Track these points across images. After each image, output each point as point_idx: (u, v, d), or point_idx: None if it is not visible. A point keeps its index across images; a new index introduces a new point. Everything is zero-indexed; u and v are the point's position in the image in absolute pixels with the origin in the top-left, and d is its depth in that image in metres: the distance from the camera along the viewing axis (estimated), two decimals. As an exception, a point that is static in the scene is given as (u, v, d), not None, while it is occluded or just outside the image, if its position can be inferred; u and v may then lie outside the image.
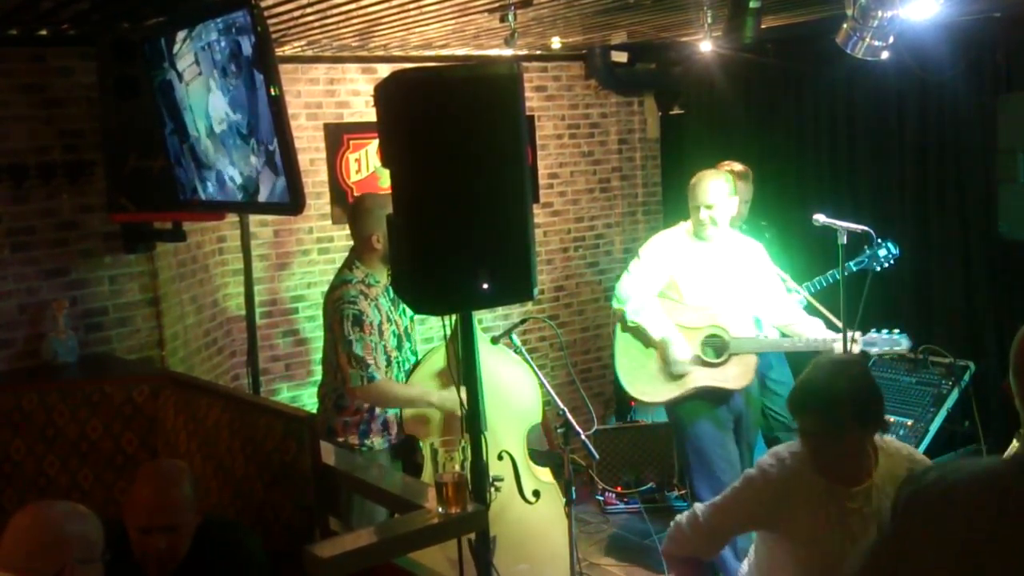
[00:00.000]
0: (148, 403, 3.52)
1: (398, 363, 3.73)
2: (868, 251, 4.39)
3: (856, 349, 3.98)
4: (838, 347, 3.97)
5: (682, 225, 4.33)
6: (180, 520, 2.61)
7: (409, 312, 3.81)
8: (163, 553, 2.59)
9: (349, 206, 4.51)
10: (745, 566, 2.83)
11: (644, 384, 4.17)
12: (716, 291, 4.19)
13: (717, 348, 4.14)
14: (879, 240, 4.39)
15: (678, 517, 2.75)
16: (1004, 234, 4.06)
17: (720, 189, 4.15)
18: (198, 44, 3.23)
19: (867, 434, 2.45)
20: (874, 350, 4.06)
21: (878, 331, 4.04)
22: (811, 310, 4.46)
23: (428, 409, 3.76)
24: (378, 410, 3.73)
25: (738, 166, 4.75)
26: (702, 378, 4.14)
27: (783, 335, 4.31)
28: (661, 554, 2.85)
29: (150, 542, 2.58)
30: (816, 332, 4.17)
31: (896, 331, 4.06)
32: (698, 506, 2.74)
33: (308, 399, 5.00)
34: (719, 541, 2.72)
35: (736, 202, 4.24)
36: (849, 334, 4.01)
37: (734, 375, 4.15)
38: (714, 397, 4.18)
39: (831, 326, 4.22)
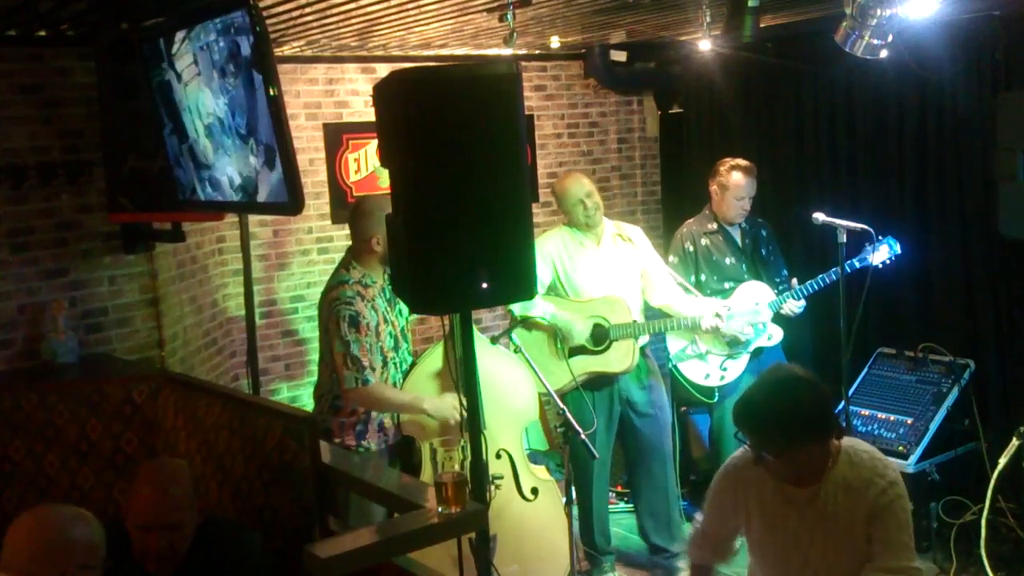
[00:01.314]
0: (148, 403, 3.52)
1: (395, 364, 3.73)
2: (869, 248, 4.39)
3: (717, 324, 4.41)
4: (705, 322, 4.40)
5: (560, 227, 4.58)
6: (180, 519, 2.62)
7: (406, 313, 3.81)
8: (163, 552, 2.59)
9: (349, 208, 4.51)
10: None
11: (548, 373, 4.21)
12: (600, 286, 4.43)
13: (597, 336, 4.39)
14: (880, 237, 4.39)
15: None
16: (1004, 232, 4.06)
17: (582, 184, 4.48)
18: (197, 44, 3.23)
19: (812, 446, 2.39)
20: (734, 325, 4.47)
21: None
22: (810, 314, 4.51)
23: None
24: (374, 411, 3.72)
25: (743, 161, 4.73)
26: (590, 365, 4.40)
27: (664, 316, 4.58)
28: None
29: (150, 541, 2.58)
30: (690, 309, 4.48)
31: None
32: (694, 523, 2.86)
33: (308, 399, 4.99)
34: (714, 542, 2.75)
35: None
36: (714, 306, 4.43)
37: (617, 359, 4.41)
38: (598, 383, 4.43)
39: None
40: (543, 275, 4.44)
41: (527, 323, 4.42)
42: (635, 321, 4.43)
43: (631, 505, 4.95)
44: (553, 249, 4.48)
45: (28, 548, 2.33)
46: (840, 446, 2.47)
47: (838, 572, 2.46)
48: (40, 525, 2.38)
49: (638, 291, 4.53)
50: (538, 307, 4.37)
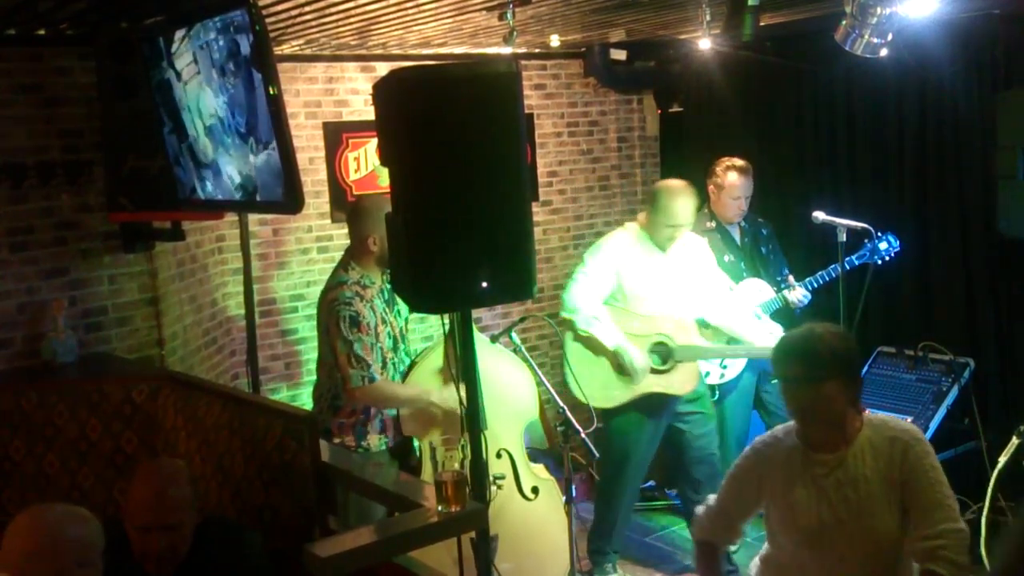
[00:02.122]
0: (147, 403, 3.52)
1: (393, 364, 3.72)
2: (869, 244, 4.39)
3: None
4: None
5: (630, 227, 4.36)
6: (179, 519, 2.61)
7: (404, 313, 3.81)
8: (163, 552, 2.59)
9: (347, 207, 4.51)
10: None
11: (595, 389, 4.20)
12: (662, 297, 4.26)
13: (663, 355, 4.25)
14: (879, 233, 4.39)
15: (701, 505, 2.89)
16: (1003, 231, 4.06)
17: (692, 208, 4.22)
18: (196, 43, 3.23)
19: (844, 387, 2.51)
20: None
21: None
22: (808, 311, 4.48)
23: (427, 409, 3.76)
24: (374, 411, 3.72)
25: (739, 161, 4.75)
26: (650, 384, 4.24)
27: (730, 339, 4.40)
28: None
29: (150, 541, 2.58)
30: (761, 339, 4.28)
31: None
32: (709, 498, 2.86)
33: (307, 398, 4.98)
34: (728, 521, 2.78)
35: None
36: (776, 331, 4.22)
37: (679, 381, 4.27)
38: (652, 405, 4.29)
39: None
40: (604, 285, 4.25)
41: (586, 338, 4.26)
42: (703, 343, 4.28)
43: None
44: (618, 256, 4.27)
45: (24, 547, 2.33)
46: (864, 417, 2.60)
47: (874, 534, 2.48)
48: (36, 524, 2.38)
49: (699, 306, 4.36)
50: (603, 325, 4.19)
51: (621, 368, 4.23)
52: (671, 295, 4.27)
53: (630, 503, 4.57)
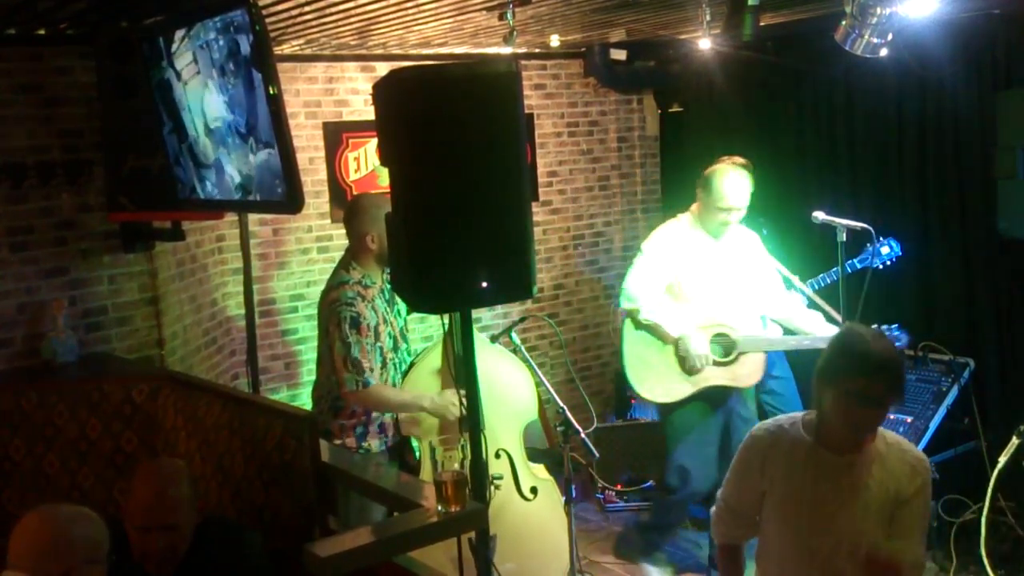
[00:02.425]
0: (147, 402, 3.52)
1: (394, 364, 3.72)
2: (870, 248, 4.39)
3: None
4: None
5: (683, 217, 4.28)
6: (179, 519, 2.62)
7: (404, 313, 3.81)
8: (162, 552, 2.59)
9: (344, 207, 4.51)
10: None
11: (654, 383, 4.13)
12: (721, 288, 4.15)
13: (725, 347, 4.13)
14: (880, 238, 4.39)
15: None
16: (1003, 231, 4.07)
17: (746, 190, 4.09)
18: (196, 43, 3.23)
19: None
20: None
21: (879, 326, 4.04)
22: (812, 305, 4.46)
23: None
24: (374, 412, 3.72)
25: (739, 160, 4.74)
26: (714, 377, 4.13)
27: (785, 331, 4.30)
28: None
29: (149, 541, 2.58)
30: (822, 329, 4.16)
31: (895, 326, 4.07)
32: (718, 502, 2.80)
33: (307, 398, 4.97)
34: (737, 518, 2.73)
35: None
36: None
37: (745, 373, 4.15)
38: (715, 398, 4.18)
39: (831, 320, 4.21)
40: (663, 273, 4.12)
41: (643, 323, 4.16)
42: (765, 333, 4.17)
43: (632, 503, 4.96)
44: (674, 244, 4.15)
45: (34, 546, 2.36)
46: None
47: (865, 536, 2.49)
48: (44, 524, 2.41)
49: (758, 298, 4.26)
50: (667, 313, 4.08)
51: (683, 360, 4.13)
52: (728, 285, 4.15)
53: (689, 503, 4.49)
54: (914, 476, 2.51)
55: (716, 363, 4.12)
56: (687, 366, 4.11)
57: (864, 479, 2.49)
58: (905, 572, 2.47)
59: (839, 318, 4.10)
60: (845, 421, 2.47)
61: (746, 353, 4.13)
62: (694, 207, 4.27)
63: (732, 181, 4.10)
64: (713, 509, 2.81)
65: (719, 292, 4.15)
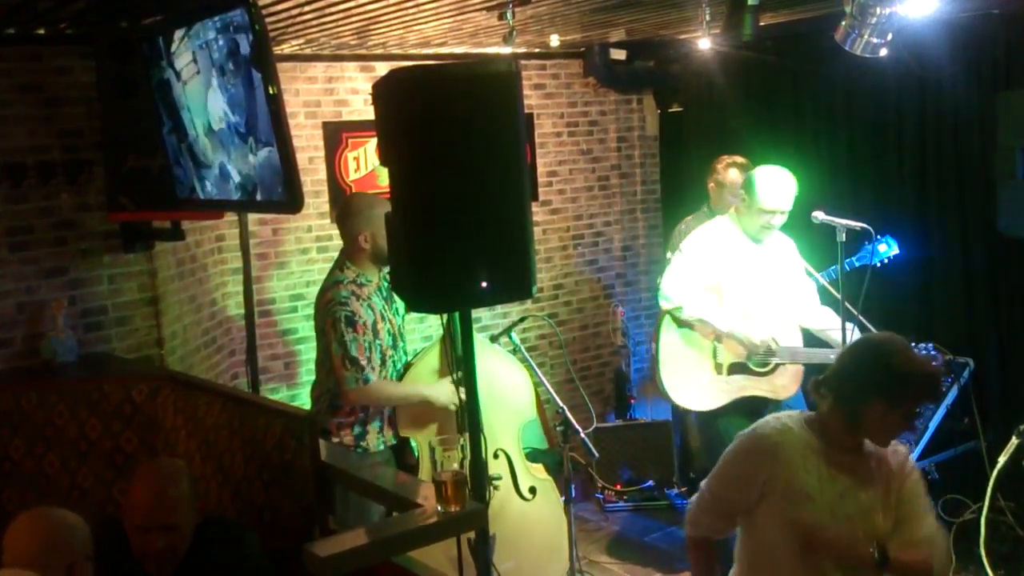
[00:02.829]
0: (147, 402, 3.52)
1: (393, 362, 3.72)
2: (868, 246, 4.39)
3: None
4: None
5: (722, 219, 4.17)
6: (178, 519, 2.62)
7: (402, 311, 3.82)
8: (162, 552, 2.59)
9: (338, 207, 4.51)
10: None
11: (691, 390, 4.01)
12: (761, 295, 4.02)
13: (764, 359, 4.01)
14: (878, 236, 4.39)
15: (692, 498, 2.75)
16: (1003, 231, 4.06)
17: (791, 192, 3.97)
18: (196, 43, 3.23)
19: None
20: None
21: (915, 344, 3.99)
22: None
23: (424, 409, 3.76)
24: (373, 410, 3.72)
25: (740, 159, 4.77)
26: (752, 387, 4.03)
27: (820, 342, 4.17)
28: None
29: (149, 541, 2.58)
30: None
31: (931, 345, 4.04)
32: (704, 482, 2.71)
33: (307, 398, 4.97)
34: (724, 512, 2.66)
35: None
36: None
37: (783, 385, 4.04)
38: (750, 408, 4.04)
39: (863, 329, 4.09)
40: (701, 277, 3.97)
41: (682, 328, 4.03)
42: (806, 348, 4.05)
43: (631, 503, 4.96)
44: (714, 247, 4.00)
45: (35, 544, 2.39)
46: None
47: (878, 533, 2.49)
48: (45, 522, 2.45)
49: (794, 306, 4.12)
50: (713, 310, 3.93)
51: (720, 367, 4.00)
52: (768, 292, 4.03)
53: None
54: (904, 462, 2.56)
55: (754, 373, 4.00)
56: (751, 354, 3.95)
57: (871, 475, 2.52)
58: (925, 548, 2.49)
59: (872, 329, 3.98)
60: (878, 430, 2.49)
61: (783, 365, 4.02)
62: (734, 209, 4.15)
63: (776, 183, 3.97)
64: (694, 499, 2.71)
65: (759, 299, 4.01)
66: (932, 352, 4.04)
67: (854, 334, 3.96)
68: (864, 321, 4.12)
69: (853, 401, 2.48)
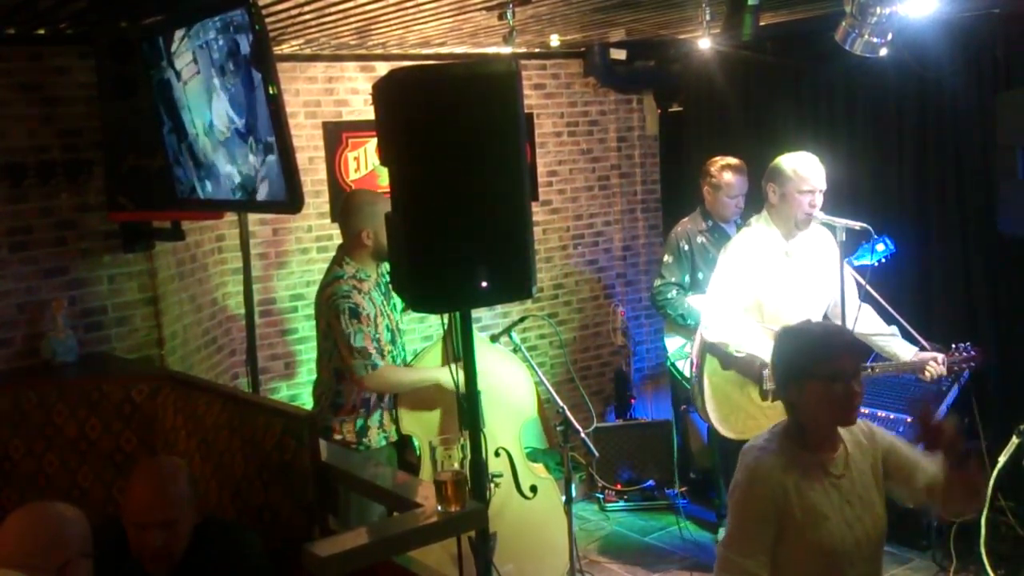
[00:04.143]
0: (147, 402, 3.52)
1: (392, 357, 3.73)
2: (865, 245, 4.39)
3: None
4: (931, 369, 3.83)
5: (756, 226, 4.03)
6: (176, 516, 2.61)
7: (400, 307, 3.83)
8: (160, 550, 2.58)
9: (339, 203, 4.51)
10: None
11: (737, 420, 3.92)
12: (801, 307, 3.90)
13: None
14: (876, 235, 4.39)
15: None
16: (1003, 230, 4.06)
17: (822, 169, 3.85)
18: (196, 43, 3.23)
19: None
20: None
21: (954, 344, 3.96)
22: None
23: (427, 407, 3.76)
24: (374, 407, 3.73)
25: (733, 160, 4.78)
26: None
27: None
28: None
29: (147, 538, 2.58)
30: (905, 351, 3.93)
31: (968, 344, 4.00)
32: (720, 550, 2.49)
33: (307, 397, 4.98)
34: (758, 565, 2.43)
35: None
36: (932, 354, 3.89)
37: None
38: None
39: (908, 337, 4.01)
40: (743, 295, 3.84)
41: (727, 369, 3.91)
42: None
43: (631, 503, 4.96)
44: (756, 260, 3.87)
45: (30, 541, 2.36)
46: None
47: (880, 523, 2.50)
48: (39, 519, 2.43)
49: (834, 313, 3.98)
50: (758, 341, 3.77)
51: (767, 393, 3.84)
52: (807, 305, 3.91)
53: None
54: (873, 435, 2.57)
55: None
56: (768, 396, 3.84)
57: (858, 465, 2.51)
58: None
59: (921, 339, 3.87)
60: (833, 408, 2.44)
61: None
62: (767, 205, 4.02)
63: (808, 160, 3.85)
64: (716, 571, 2.45)
65: (800, 312, 3.85)
66: (971, 352, 3.96)
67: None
68: (912, 331, 4.01)
69: (797, 396, 2.47)
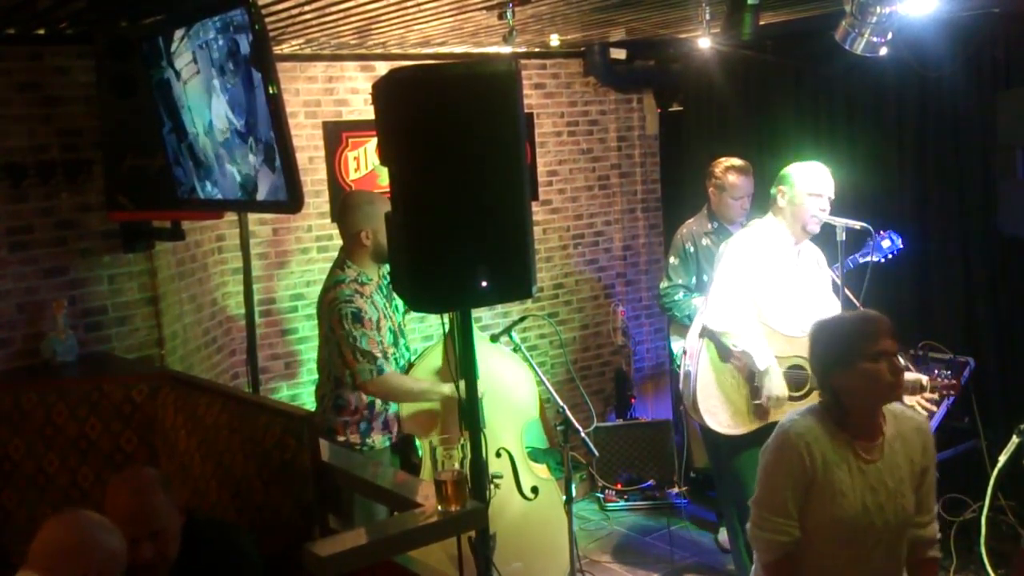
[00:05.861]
0: (147, 402, 3.52)
1: (394, 359, 3.73)
2: (871, 242, 4.39)
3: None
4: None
5: (757, 226, 4.01)
6: (161, 525, 2.59)
7: (402, 308, 3.82)
8: (155, 559, 2.57)
9: (337, 204, 4.51)
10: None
11: (724, 415, 3.90)
12: (799, 311, 3.87)
13: (798, 381, 3.84)
14: (881, 232, 4.39)
15: (748, 534, 2.64)
16: (1003, 230, 4.06)
17: (830, 177, 3.89)
18: (196, 42, 3.23)
19: None
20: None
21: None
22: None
23: (428, 407, 3.76)
24: (378, 408, 3.73)
25: (738, 161, 4.76)
26: (785, 410, 3.79)
27: None
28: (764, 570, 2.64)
29: (140, 552, 2.56)
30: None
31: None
32: (752, 507, 2.61)
33: (308, 397, 4.99)
34: (790, 516, 2.54)
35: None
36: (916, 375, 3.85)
37: None
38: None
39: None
40: (745, 300, 3.79)
41: (729, 349, 3.85)
42: None
43: (632, 502, 4.96)
44: (760, 261, 3.84)
45: (59, 544, 2.36)
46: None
47: (905, 516, 2.57)
48: (67, 526, 2.40)
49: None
50: (757, 342, 3.77)
51: (757, 392, 3.83)
52: (805, 309, 3.86)
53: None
54: (926, 443, 2.63)
55: (790, 398, 3.82)
56: (758, 402, 3.83)
57: (894, 459, 2.57)
58: (933, 552, 2.68)
59: (904, 360, 3.83)
60: (880, 385, 2.52)
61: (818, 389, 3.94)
62: (774, 208, 3.99)
63: (816, 167, 3.90)
64: (750, 527, 2.60)
65: (797, 317, 3.85)
66: (951, 379, 3.91)
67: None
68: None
69: (844, 381, 2.54)
